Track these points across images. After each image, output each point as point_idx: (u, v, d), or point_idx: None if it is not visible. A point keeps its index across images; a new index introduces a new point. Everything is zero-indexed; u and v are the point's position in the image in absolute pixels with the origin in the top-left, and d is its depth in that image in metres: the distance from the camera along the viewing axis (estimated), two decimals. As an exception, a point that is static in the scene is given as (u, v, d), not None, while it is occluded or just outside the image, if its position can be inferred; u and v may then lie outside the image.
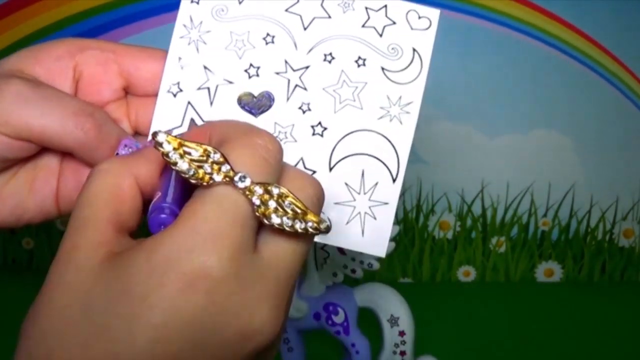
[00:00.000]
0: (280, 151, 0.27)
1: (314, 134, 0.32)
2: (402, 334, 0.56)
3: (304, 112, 0.32)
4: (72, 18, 0.73)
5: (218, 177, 0.24)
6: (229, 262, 0.23)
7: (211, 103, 0.32)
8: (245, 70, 0.32)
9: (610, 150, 0.80)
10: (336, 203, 0.32)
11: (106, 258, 0.24)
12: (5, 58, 0.31)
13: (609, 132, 0.80)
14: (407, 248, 0.82)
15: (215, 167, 0.25)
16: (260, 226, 0.25)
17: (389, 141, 0.32)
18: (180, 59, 0.32)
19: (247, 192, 0.25)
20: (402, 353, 0.56)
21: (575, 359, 0.68)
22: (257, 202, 0.25)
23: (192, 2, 0.32)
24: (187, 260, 0.23)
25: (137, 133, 0.34)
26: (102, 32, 0.73)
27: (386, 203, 0.32)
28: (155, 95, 0.32)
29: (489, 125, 0.79)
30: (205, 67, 0.33)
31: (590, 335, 0.72)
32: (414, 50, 0.33)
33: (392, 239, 0.54)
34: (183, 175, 0.25)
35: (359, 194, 0.32)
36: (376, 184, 0.32)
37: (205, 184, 0.24)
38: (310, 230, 0.25)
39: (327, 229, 0.25)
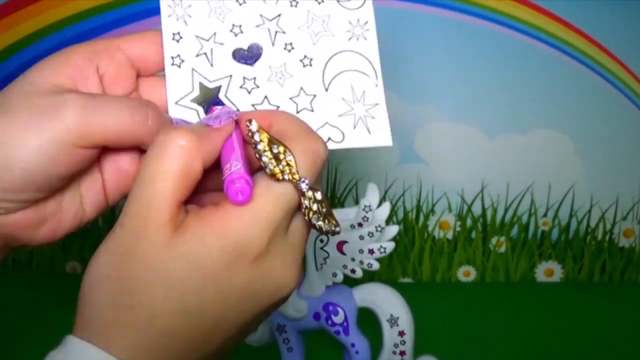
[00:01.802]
0: (327, 157, 0.33)
1: (304, 66, 0.38)
2: (401, 334, 0.56)
3: (289, 51, 0.38)
4: (72, 18, 0.73)
5: (287, 176, 0.30)
6: (273, 243, 0.30)
7: (211, 64, 0.38)
8: (231, 31, 0.38)
9: (610, 150, 0.80)
10: (340, 115, 0.38)
11: (174, 232, 0.29)
12: (22, 77, 0.33)
13: (609, 132, 0.80)
14: (407, 248, 0.82)
15: (287, 168, 0.31)
16: None
17: (361, 55, 0.39)
18: (174, 34, 0.38)
19: (302, 194, 0.31)
20: (402, 353, 0.56)
21: (575, 359, 0.68)
22: (306, 203, 0.31)
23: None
24: (248, 242, 0.30)
25: None
26: (102, 32, 0.73)
27: (377, 104, 0.38)
28: (163, 73, 0.37)
29: (489, 125, 0.79)
30: (197, 36, 0.38)
31: (590, 335, 0.72)
32: None
33: (392, 239, 0.54)
34: (262, 165, 0.31)
35: (354, 103, 0.38)
36: (364, 92, 0.38)
37: (275, 179, 0.30)
38: (331, 232, 0.32)
39: (338, 233, 0.32)
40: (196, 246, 0.29)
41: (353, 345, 0.56)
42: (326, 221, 0.32)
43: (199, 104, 0.37)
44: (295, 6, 0.39)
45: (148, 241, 0.29)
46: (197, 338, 0.30)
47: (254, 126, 0.31)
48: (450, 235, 0.82)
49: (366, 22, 0.39)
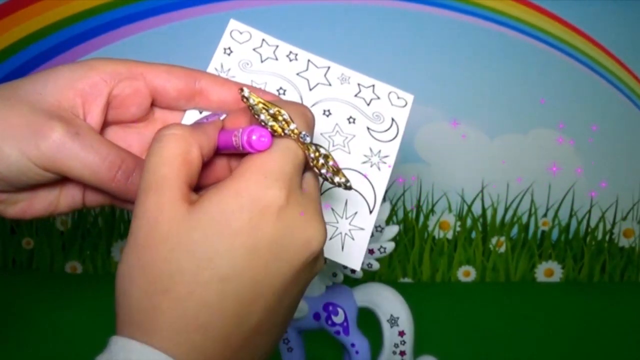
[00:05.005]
0: (314, 121, 0.34)
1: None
2: (401, 334, 0.56)
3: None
4: (72, 18, 0.73)
5: (287, 132, 0.32)
6: (291, 196, 0.31)
7: None
8: None
9: (610, 150, 0.80)
10: None
11: (190, 206, 0.30)
12: (38, 77, 0.34)
13: (609, 132, 0.80)
14: (407, 248, 0.82)
15: (285, 124, 0.32)
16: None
17: (369, 181, 0.39)
18: None
19: (305, 148, 0.32)
20: (402, 353, 0.56)
21: (575, 359, 0.68)
22: (312, 156, 0.32)
23: (224, 52, 0.39)
24: (265, 196, 0.30)
25: None
26: (103, 31, 0.73)
27: (362, 229, 0.38)
28: (179, 110, 0.38)
29: (489, 125, 0.79)
30: None
31: (590, 335, 0.72)
32: (393, 119, 0.41)
33: (392, 239, 0.54)
34: (262, 124, 0.32)
35: (341, 218, 0.38)
36: (356, 212, 0.38)
37: (277, 135, 0.31)
38: (343, 185, 0.33)
39: (350, 188, 0.33)
40: (215, 210, 0.29)
41: (353, 345, 0.56)
42: (336, 175, 0.33)
43: None
44: (327, 116, 0.40)
45: (165, 221, 0.29)
46: (237, 308, 0.29)
47: (246, 92, 0.32)
48: (450, 235, 0.82)
49: (386, 156, 0.40)
